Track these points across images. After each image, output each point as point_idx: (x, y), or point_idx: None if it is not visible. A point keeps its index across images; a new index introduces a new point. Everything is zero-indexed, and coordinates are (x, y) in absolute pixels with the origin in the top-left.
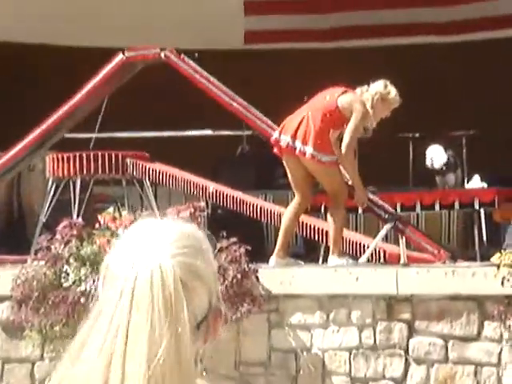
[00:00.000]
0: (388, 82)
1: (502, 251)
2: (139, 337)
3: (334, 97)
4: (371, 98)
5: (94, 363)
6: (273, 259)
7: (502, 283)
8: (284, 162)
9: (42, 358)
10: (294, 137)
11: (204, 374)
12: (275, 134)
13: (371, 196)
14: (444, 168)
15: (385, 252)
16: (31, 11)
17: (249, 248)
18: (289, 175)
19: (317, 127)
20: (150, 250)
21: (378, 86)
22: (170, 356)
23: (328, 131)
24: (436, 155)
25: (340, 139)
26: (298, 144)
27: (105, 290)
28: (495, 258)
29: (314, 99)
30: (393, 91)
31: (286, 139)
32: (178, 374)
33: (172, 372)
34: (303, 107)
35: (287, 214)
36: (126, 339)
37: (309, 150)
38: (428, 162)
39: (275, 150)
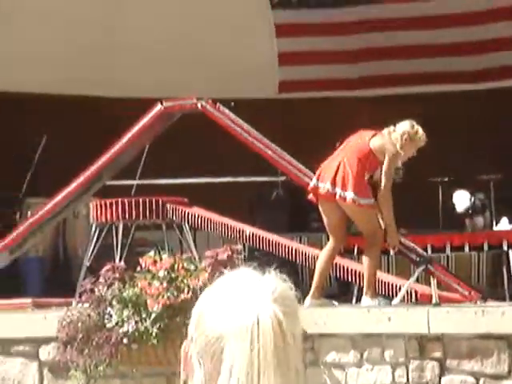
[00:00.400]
0: (414, 122)
1: None
2: (269, 377)
3: (365, 140)
4: (400, 138)
5: None
6: (308, 300)
7: None
8: (320, 207)
9: None
10: (333, 183)
11: None
12: (313, 182)
13: (403, 239)
14: (470, 212)
15: (416, 292)
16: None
17: None
18: (324, 219)
19: (354, 172)
20: (262, 305)
21: (405, 126)
22: None
23: (364, 175)
24: (460, 200)
25: (370, 182)
26: (338, 190)
27: (228, 345)
28: None
29: (345, 144)
30: (420, 130)
31: (325, 186)
32: None
33: None
34: (336, 153)
35: (322, 256)
36: (259, 378)
37: (349, 194)
38: (454, 207)
39: (310, 196)
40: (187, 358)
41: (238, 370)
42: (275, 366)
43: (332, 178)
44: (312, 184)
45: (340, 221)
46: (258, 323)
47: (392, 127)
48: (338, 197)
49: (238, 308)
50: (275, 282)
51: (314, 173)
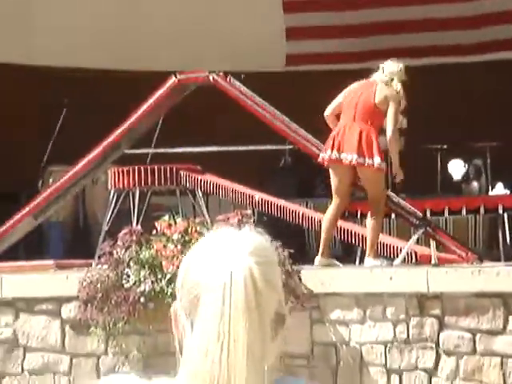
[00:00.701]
0: (395, 60)
1: None
2: (239, 332)
3: (370, 99)
4: (399, 84)
5: (211, 345)
6: (317, 259)
7: None
8: (332, 171)
9: (105, 352)
10: (360, 154)
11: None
12: (333, 153)
13: (403, 203)
14: (465, 178)
15: (416, 254)
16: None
17: (292, 251)
18: (335, 182)
19: (375, 138)
20: (237, 258)
21: (394, 68)
22: (258, 345)
23: (378, 136)
24: (455, 168)
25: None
26: (366, 159)
27: (203, 298)
28: None
29: (354, 109)
30: (402, 67)
31: (350, 157)
32: (264, 361)
33: (262, 358)
34: (347, 122)
35: (327, 216)
36: (229, 328)
37: (376, 160)
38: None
39: (320, 159)
40: (177, 318)
41: (210, 319)
42: (246, 314)
43: (357, 148)
44: (333, 156)
45: (350, 185)
46: (231, 275)
47: (381, 74)
48: (366, 165)
49: (215, 262)
50: (251, 236)
51: (322, 142)
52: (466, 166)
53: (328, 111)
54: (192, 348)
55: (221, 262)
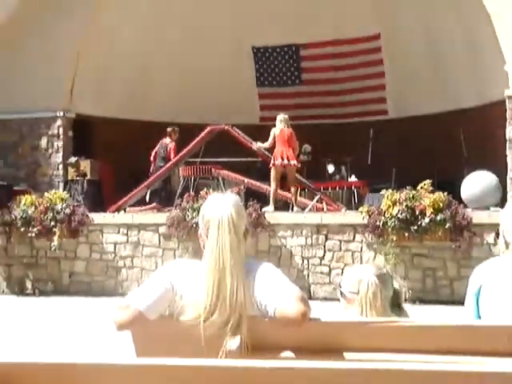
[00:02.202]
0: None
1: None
2: (225, 240)
3: (288, 132)
4: (280, 126)
5: (214, 247)
6: (270, 207)
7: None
8: (275, 169)
9: (178, 248)
10: (292, 159)
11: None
12: (284, 161)
13: (310, 183)
14: (335, 173)
15: (316, 206)
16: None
17: (260, 204)
18: (276, 174)
19: (294, 151)
20: (226, 206)
21: (279, 118)
22: (236, 249)
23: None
24: (330, 168)
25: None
26: (293, 162)
27: (211, 225)
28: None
29: (284, 138)
30: (284, 116)
31: (291, 162)
32: (239, 259)
33: (239, 257)
34: (282, 145)
35: (273, 187)
36: (223, 244)
37: (294, 162)
38: (328, 171)
39: (271, 164)
40: (201, 236)
41: (213, 236)
42: (230, 236)
43: (292, 157)
44: (284, 162)
45: (282, 174)
46: (221, 215)
47: (280, 121)
48: (292, 165)
49: (214, 209)
50: (233, 197)
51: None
52: (336, 168)
53: (270, 143)
54: (207, 248)
55: (217, 209)
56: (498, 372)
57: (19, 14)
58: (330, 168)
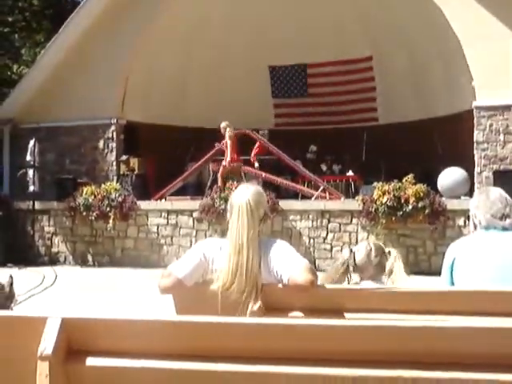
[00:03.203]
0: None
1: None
2: (244, 221)
3: (231, 143)
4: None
5: (234, 227)
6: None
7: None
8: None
9: (208, 229)
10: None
11: None
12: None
13: (316, 178)
14: (326, 170)
15: (320, 195)
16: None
17: (275, 194)
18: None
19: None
20: (245, 194)
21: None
22: (251, 229)
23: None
24: (323, 167)
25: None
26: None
27: (233, 210)
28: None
29: (232, 146)
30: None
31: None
32: (254, 236)
33: (254, 235)
34: (232, 152)
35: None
36: (242, 224)
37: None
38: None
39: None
40: (227, 218)
41: (235, 219)
42: (247, 218)
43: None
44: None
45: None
46: (241, 202)
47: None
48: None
49: (237, 197)
50: (253, 187)
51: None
52: (326, 166)
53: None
54: (230, 228)
55: (239, 197)
56: (467, 327)
57: (85, 39)
58: (323, 167)
